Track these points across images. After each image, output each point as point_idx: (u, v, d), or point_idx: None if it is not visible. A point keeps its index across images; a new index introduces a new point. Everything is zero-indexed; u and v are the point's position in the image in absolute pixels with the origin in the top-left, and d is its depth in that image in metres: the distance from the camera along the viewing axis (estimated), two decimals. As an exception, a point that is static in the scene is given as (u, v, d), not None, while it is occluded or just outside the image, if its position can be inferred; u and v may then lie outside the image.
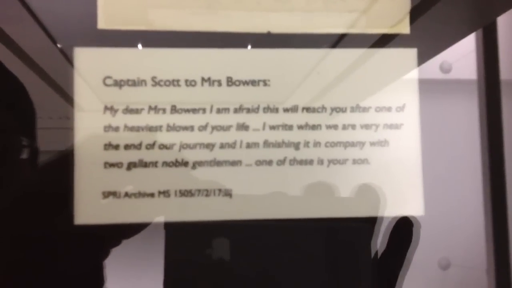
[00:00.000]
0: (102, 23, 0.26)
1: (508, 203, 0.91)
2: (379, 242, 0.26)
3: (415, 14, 0.30)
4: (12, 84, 0.35)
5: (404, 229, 0.25)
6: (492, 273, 0.92)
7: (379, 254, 0.26)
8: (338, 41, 0.28)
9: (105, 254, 0.25)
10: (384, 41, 0.28)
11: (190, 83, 0.27)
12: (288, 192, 0.26)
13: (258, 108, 0.27)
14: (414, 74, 0.27)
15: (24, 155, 0.32)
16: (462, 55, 1.04)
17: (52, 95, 0.36)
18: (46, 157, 0.27)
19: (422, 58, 0.28)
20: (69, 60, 0.27)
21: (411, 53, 0.27)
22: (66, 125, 0.35)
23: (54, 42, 0.30)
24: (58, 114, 0.37)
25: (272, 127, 0.27)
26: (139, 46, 0.27)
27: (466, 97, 1.09)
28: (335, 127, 0.27)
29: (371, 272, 0.25)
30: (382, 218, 0.25)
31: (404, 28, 0.27)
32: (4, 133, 0.32)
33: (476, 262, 1.03)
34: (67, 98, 0.33)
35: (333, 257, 0.25)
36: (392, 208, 0.26)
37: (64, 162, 0.25)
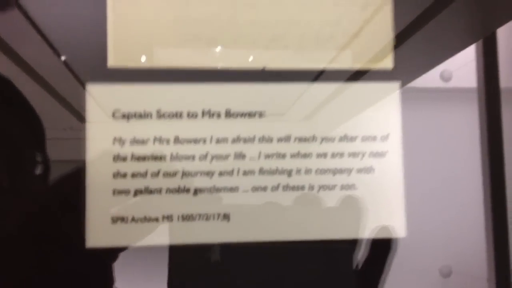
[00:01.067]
0: (112, 62, 0.28)
1: (508, 211, 0.93)
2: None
3: (399, 47, 0.32)
4: (25, 103, 0.38)
5: (383, 240, 0.27)
6: (493, 281, 0.94)
7: (361, 262, 0.28)
8: (327, 75, 0.30)
9: (114, 257, 0.28)
10: (370, 74, 0.30)
11: (192, 115, 0.29)
12: (282, 210, 0.29)
13: (254, 138, 0.29)
14: (397, 105, 0.30)
15: (38, 170, 0.35)
16: (462, 64, 1.06)
17: (56, 107, 0.39)
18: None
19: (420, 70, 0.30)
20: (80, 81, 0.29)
21: (394, 86, 0.29)
22: (70, 136, 0.37)
23: (58, 54, 0.32)
24: (63, 125, 0.39)
25: (267, 156, 0.29)
26: (146, 81, 0.29)
27: (467, 105, 1.10)
28: (324, 155, 0.29)
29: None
30: (363, 239, 0.27)
31: (388, 63, 0.29)
32: (21, 149, 0.34)
33: (477, 270, 1.05)
34: (72, 109, 0.36)
35: (319, 274, 0.27)
36: (371, 222, 0.28)
37: (76, 180, 0.27)
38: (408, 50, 0.32)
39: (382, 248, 0.28)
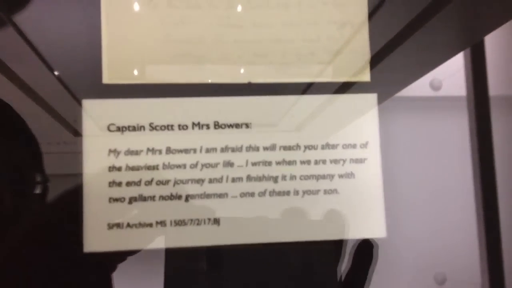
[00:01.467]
0: (107, 79, 0.30)
1: (500, 217, 0.95)
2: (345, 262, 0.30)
3: (375, 61, 0.34)
4: (25, 126, 0.39)
5: (365, 250, 0.29)
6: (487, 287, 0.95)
7: (344, 273, 0.30)
8: (308, 88, 0.32)
9: (113, 268, 0.30)
10: (349, 87, 0.32)
11: (182, 127, 0.31)
12: (269, 218, 0.30)
13: (241, 148, 0.31)
14: (375, 114, 0.32)
15: (38, 190, 0.36)
16: (452, 73, 1.09)
17: (52, 123, 0.40)
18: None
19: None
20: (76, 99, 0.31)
21: (372, 97, 0.32)
22: (66, 150, 0.39)
23: (51, 70, 0.34)
24: (57, 140, 0.41)
25: (254, 164, 0.31)
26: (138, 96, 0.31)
27: (457, 113, 1.12)
28: (308, 162, 0.31)
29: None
30: (347, 240, 0.29)
31: (365, 76, 0.32)
32: (21, 169, 0.36)
33: (471, 277, 1.06)
34: (67, 125, 0.38)
35: (304, 276, 0.29)
36: (358, 231, 0.30)
37: (74, 196, 0.29)
38: (385, 65, 0.34)
39: (364, 258, 0.30)
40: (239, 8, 0.32)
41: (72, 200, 0.29)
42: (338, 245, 0.30)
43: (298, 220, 0.30)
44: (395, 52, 0.37)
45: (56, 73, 0.35)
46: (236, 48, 0.32)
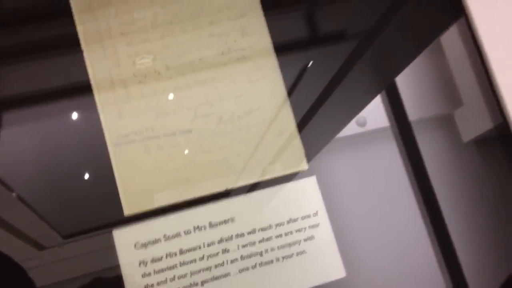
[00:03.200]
0: (127, 211, 0.43)
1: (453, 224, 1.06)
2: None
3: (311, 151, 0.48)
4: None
5: None
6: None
7: None
8: (264, 185, 0.46)
9: None
10: (295, 175, 0.46)
11: (187, 232, 0.43)
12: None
13: (232, 237, 0.44)
14: (317, 191, 0.45)
15: None
16: (372, 108, 1.21)
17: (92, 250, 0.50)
18: None
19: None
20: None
21: (312, 179, 0.45)
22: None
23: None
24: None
25: (243, 246, 0.44)
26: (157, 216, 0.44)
27: (385, 142, 1.24)
28: (280, 235, 0.44)
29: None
30: None
31: (304, 166, 0.46)
32: None
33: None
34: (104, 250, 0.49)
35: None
36: (322, 272, 0.43)
37: None
38: (313, 128, 0.49)
39: None
40: (209, 139, 0.45)
41: None
42: None
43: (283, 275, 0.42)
44: (320, 115, 0.51)
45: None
46: (211, 167, 0.45)
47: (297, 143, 0.47)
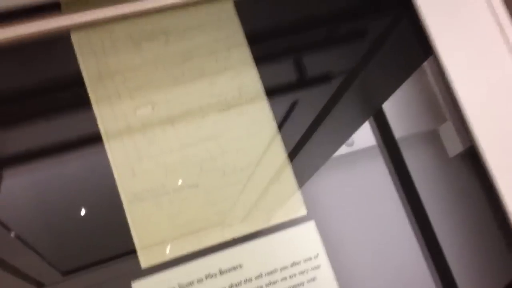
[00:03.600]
0: (144, 264, 0.47)
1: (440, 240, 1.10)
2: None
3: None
4: None
5: None
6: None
7: None
8: (266, 232, 0.50)
9: None
10: (291, 222, 0.51)
11: (199, 281, 0.48)
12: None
13: (241, 282, 0.48)
14: (316, 234, 0.50)
15: None
16: (359, 128, 1.24)
17: None
18: None
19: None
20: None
21: (311, 224, 0.50)
22: None
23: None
24: None
25: (252, 290, 0.48)
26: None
27: (373, 160, 1.28)
28: (285, 278, 0.48)
29: None
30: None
31: (302, 211, 0.50)
32: None
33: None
34: None
35: None
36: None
37: None
38: (306, 157, 0.53)
39: None
40: (214, 192, 0.50)
41: None
42: None
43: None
44: (308, 147, 0.56)
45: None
46: (218, 217, 0.49)
47: (295, 191, 0.51)
